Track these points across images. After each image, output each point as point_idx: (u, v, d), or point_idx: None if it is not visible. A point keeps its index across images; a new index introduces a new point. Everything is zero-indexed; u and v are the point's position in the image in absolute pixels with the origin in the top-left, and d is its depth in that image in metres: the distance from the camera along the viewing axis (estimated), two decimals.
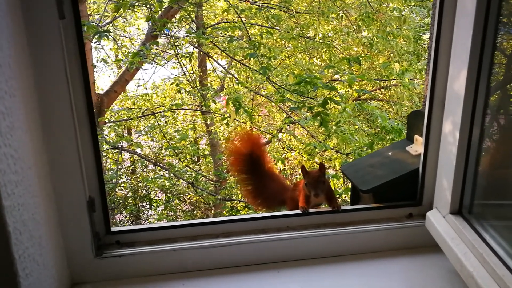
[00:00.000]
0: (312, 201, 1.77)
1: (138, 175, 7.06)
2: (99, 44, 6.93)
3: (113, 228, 1.54)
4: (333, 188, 5.12)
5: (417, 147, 1.80)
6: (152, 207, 7.28)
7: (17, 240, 1.08)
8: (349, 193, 2.66)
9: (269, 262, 1.58)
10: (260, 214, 1.66)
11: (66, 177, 1.38)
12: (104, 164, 6.90)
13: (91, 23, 4.81)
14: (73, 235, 1.44)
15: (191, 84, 6.74)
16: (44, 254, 1.26)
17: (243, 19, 6.05)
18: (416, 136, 1.83)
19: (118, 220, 7.43)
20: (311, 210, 1.67)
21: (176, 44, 5.96)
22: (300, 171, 1.96)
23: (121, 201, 6.73)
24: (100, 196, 1.48)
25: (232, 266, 1.57)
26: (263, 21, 6.46)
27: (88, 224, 1.45)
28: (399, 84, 6.41)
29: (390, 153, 1.87)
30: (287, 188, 2.07)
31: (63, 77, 1.30)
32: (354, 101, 6.15)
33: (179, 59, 6.19)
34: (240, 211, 6.83)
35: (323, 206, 1.83)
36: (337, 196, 5.90)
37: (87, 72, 1.36)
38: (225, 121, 5.96)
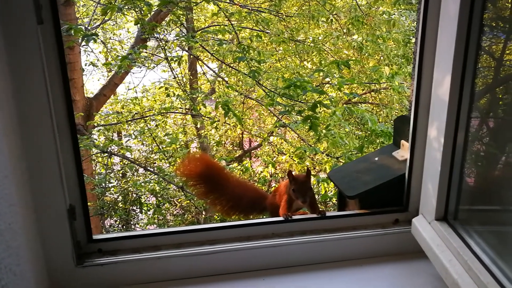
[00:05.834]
0: (294, 206, 1.76)
1: (128, 179, 6.99)
2: (88, 47, 6.88)
3: (95, 236, 1.51)
4: (324, 191, 5.12)
5: (404, 152, 1.79)
6: (143, 211, 7.21)
7: None
8: None
9: (255, 270, 1.56)
10: (246, 221, 1.64)
11: (46, 185, 1.35)
12: (93, 168, 6.84)
13: (79, 26, 4.76)
14: (53, 244, 1.41)
15: (181, 88, 6.70)
16: (22, 264, 1.23)
17: (233, 22, 6.04)
18: (402, 141, 1.82)
19: (108, 224, 7.35)
20: (296, 217, 1.65)
21: (165, 47, 5.93)
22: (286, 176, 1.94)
23: (110, 205, 6.66)
24: (82, 204, 1.45)
25: (217, 274, 1.55)
26: (253, 24, 6.45)
27: (68, 232, 1.42)
28: (389, 87, 6.43)
29: (376, 159, 1.86)
30: (265, 195, 2.04)
31: (42, 83, 1.27)
32: (344, 105, 6.16)
33: (169, 63, 6.15)
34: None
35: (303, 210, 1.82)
36: (327, 200, 5.90)
37: (67, 78, 1.33)
38: (214, 124, 5.93)
